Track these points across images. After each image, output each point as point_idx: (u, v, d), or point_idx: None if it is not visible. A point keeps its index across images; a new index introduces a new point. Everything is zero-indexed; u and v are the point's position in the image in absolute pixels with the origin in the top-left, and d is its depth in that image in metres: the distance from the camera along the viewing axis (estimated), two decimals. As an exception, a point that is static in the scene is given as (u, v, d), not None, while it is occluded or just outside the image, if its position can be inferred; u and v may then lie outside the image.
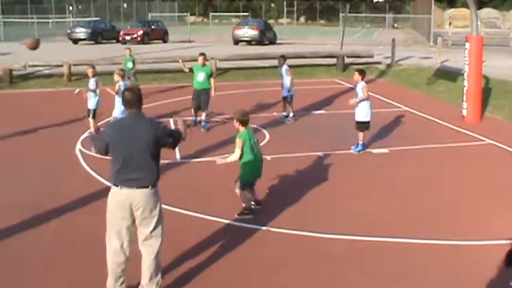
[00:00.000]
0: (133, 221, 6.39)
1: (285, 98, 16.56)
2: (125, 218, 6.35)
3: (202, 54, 15.87)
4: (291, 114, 16.50)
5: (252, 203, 9.48)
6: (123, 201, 6.30)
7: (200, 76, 15.40)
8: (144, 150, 6.25)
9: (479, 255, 8.06)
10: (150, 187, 6.31)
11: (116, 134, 6.39)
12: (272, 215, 9.29)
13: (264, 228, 8.83)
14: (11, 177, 11.62)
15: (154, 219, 6.41)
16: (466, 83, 16.70)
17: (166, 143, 6.49)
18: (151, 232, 6.44)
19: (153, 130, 6.33)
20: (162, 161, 11.70)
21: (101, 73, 25.16)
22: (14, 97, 21.38)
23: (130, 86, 6.78)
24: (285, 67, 16.56)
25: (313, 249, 8.21)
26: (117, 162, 6.30)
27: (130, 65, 20.41)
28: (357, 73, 13.20)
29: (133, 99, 6.40)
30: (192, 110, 15.90)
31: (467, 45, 16.55)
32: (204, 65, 15.59)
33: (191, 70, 15.63)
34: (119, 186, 6.30)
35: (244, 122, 9.14)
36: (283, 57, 16.86)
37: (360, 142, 13.30)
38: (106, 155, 6.51)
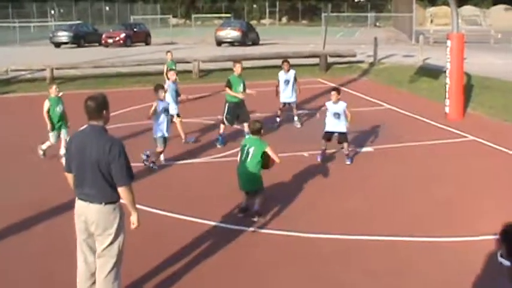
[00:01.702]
0: (91, 235, 6.15)
1: (291, 104, 16.07)
2: (81, 231, 6.17)
3: (239, 62, 14.68)
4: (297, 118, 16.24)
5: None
6: (79, 214, 6.13)
7: (241, 87, 14.21)
8: (95, 169, 5.90)
9: (466, 251, 8.09)
10: (103, 204, 5.98)
11: (72, 147, 6.12)
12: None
13: (251, 229, 8.82)
14: (-4, 182, 11.58)
15: (109, 238, 6.07)
16: (448, 80, 16.78)
17: (115, 175, 5.92)
18: (103, 250, 6.14)
19: (106, 153, 5.87)
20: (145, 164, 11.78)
21: (84, 76, 25.19)
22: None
23: (94, 95, 6.14)
24: (293, 72, 15.99)
25: (302, 249, 8.22)
26: (74, 174, 6.10)
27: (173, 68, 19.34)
28: (336, 93, 12.52)
29: (94, 109, 5.98)
30: (225, 124, 14.23)
31: (449, 42, 16.64)
32: (241, 74, 14.41)
33: (230, 85, 14.09)
34: (76, 198, 6.15)
35: (250, 130, 9.33)
36: (288, 62, 15.98)
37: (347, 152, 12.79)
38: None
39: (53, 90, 12.62)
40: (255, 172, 9.04)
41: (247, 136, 9.13)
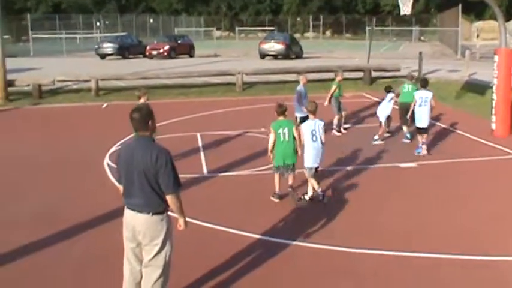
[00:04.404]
0: (139, 244, 6.20)
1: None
2: (129, 240, 6.21)
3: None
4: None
5: (289, 189, 10.74)
6: (128, 223, 6.18)
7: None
8: (142, 178, 5.96)
9: (509, 271, 7.93)
10: (151, 214, 6.03)
11: (121, 158, 6.20)
12: (300, 229, 9.26)
13: (293, 242, 8.78)
14: (39, 189, 11.74)
15: (156, 248, 6.12)
16: (494, 96, 16.53)
17: (163, 183, 5.97)
18: (150, 260, 6.18)
19: (153, 162, 5.91)
20: (189, 176, 11.86)
21: (129, 88, 25.48)
22: (43, 111, 21.61)
23: (139, 106, 6.22)
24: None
25: (341, 264, 8.14)
26: (123, 184, 6.19)
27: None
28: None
29: (140, 121, 6.02)
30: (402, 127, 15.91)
31: (496, 58, 16.40)
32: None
33: None
34: (125, 207, 6.21)
35: (277, 112, 10.45)
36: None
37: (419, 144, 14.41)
38: None
39: (146, 98, 12.46)
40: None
41: (277, 120, 10.49)
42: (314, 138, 10.51)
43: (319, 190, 10.69)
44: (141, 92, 12.81)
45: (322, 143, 10.62)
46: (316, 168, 10.79)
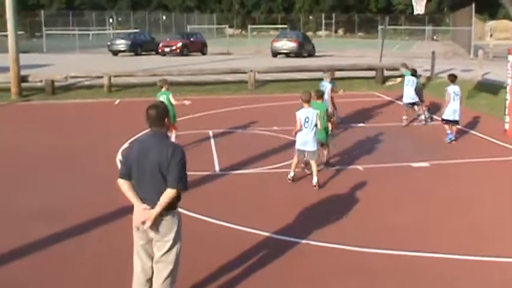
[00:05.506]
0: (150, 241, 6.18)
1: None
2: (140, 236, 6.21)
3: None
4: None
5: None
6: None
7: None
8: (155, 173, 5.94)
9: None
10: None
11: (133, 153, 6.15)
12: (312, 228, 9.23)
13: (303, 241, 8.77)
14: (53, 185, 11.76)
15: (167, 244, 6.11)
16: (508, 96, 16.43)
17: (171, 174, 5.92)
18: (161, 256, 6.17)
19: (168, 156, 5.89)
20: (200, 173, 11.87)
21: (141, 84, 25.53)
22: (56, 107, 21.70)
23: (155, 104, 6.23)
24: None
25: (352, 264, 8.12)
26: (134, 180, 6.14)
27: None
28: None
29: (156, 117, 6.03)
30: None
31: (510, 57, 16.30)
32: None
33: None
34: None
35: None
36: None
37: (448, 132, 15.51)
38: (129, 180, 6.15)
39: (167, 87, 14.26)
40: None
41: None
42: (306, 125, 11.46)
43: (292, 173, 11.71)
44: (162, 82, 14.36)
45: (318, 128, 11.61)
46: (310, 152, 11.60)
